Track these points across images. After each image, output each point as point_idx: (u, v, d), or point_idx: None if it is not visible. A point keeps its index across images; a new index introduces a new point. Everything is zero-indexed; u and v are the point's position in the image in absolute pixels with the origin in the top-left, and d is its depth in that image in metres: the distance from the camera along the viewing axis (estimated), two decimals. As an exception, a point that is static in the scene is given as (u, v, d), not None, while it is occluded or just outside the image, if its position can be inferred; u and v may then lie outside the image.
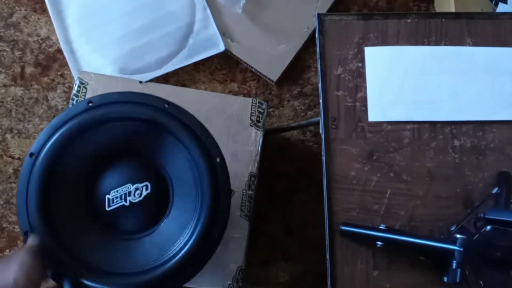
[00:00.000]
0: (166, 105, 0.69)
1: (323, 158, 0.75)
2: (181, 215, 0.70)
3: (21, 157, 1.32)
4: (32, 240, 0.63)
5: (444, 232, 0.72)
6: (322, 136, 0.76)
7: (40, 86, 1.35)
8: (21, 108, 1.34)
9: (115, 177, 0.70)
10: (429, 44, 0.80)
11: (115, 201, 0.69)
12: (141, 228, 0.70)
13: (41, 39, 1.37)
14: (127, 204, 0.69)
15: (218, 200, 0.68)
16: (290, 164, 1.34)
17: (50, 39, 1.37)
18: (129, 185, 0.69)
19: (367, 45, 0.79)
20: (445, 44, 0.80)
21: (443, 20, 0.80)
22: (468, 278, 0.64)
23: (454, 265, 0.63)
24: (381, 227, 0.71)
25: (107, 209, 0.69)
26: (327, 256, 0.71)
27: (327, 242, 0.72)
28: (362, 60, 0.79)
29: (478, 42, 0.80)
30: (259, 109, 0.92)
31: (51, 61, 1.36)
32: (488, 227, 0.65)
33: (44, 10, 1.37)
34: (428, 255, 0.71)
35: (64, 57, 1.31)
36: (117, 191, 0.69)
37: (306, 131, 1.36)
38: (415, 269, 0.72)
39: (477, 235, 0.65)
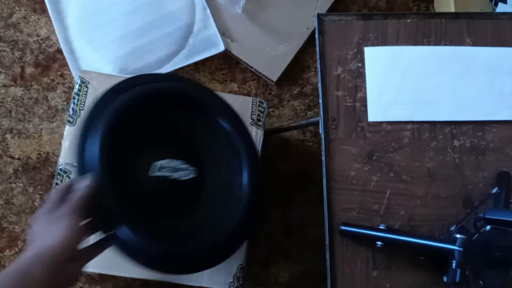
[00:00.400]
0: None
1: (323, 158, 0.75)
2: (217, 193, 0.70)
3: (21, 157, 1.32)
4: (89, 180, 0.59)
5: (444, 232, 0.72)
6: (322, 136, 0.76)
7: (40, 86, 1.35)
8: (21, 108, 1.34)
9: (167, 148, 0.69)
10: (428, 44, 0.80)
11: (161, 170, 0.68)
12: (171, 208, 0.69)
13: (41, 39, 1.37)
14: (171, 178, 0.67)
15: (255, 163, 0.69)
16: (290, 164, 1.34)
17: (50, 39, 1.37)
18: (180, 161, 0.69)
19: (366, 45, 0.79)
20: (444, 44, 0.80)
21: (443, 20, 0.80)
22: (467, 278, 0.64)
23: (453, 265, 0.63)
24: (381, 227, 0.71)
25: (150, 174, 0.67)
26: (327, 256, 0.71)
27: (327, 242, 0.72)
28: (362, 60, 0.79)
29: (478, 42, 0.80)
30: (260, 108, 0.92)
31: (51, 61, 1.36)
32: (488, 227, 0.65)
33: (44, 10, 1.37)
34: (428, 255, 0.71)
35: (64, 57, 1.32)
36: (167, 162, 0.68)
37: (306, 131, 1.36)
38: (415, 269, 0.72)
39: (477, 235, 0.65)
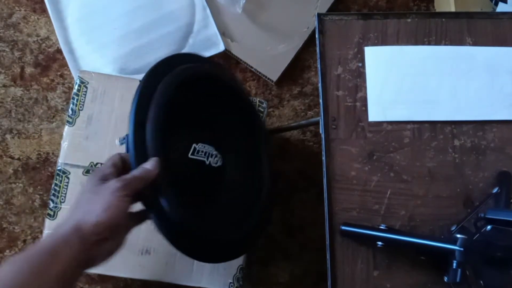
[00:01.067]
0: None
1: (323, 158, 0.75)
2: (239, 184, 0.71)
3: (21, 157, 1.32)
4: (151, 165, 0.57)
5: (445, 232, 0.72)
6: (322, 136, 0.76)
7: (40, 87, 1.35)
8: (21, 109, 1.34)
9: (204, 132, 0.69)
10: (429, 43, 0.80)
11: (199, 153, 0.68)
12: (202, 193, 0.69)
13: (41, 39, 1.37)
14: (207, 163, 0.68)
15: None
16: (290, 164, 1.34)
17: (50, 39, 1.37)
18: (212, 147, 0.69)
19: (367, 45, 0.79)
20: (445, 44, 0.80)
21: (443, 19, 0.80)
22: (468, 278, 0.64)
23: (454, 265, 0.63)
24: (381, 227, 0.71)
25: (189, 156, 0.67)
26: (328, 256, 0.71)
27: (327, 242, 0.72)
28: (362, 60, 0.79)
29: (478, 41, 0.80)
30: (259, 108, 0.92)
31: (51, 61, 1.36)
32: (489, 227, 0.65)
33: (43, 10, 1.37)
34: (428, 255, 0.71)
35: (63, 57, 1.31)
36: (203, 146, 0.68)
37: (306, 131, 1.36)
38: (415, 269, 0.72)
39: (478, 235, 0.65)
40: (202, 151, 0.68)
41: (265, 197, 0.69)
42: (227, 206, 0.70)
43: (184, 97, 0.66)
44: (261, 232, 0.71)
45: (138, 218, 0.62)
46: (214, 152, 0.69)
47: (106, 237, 0.54)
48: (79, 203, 0.56)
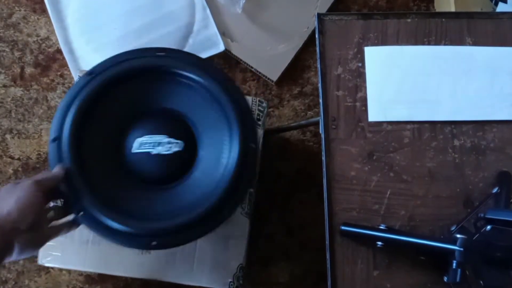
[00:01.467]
0: (161, 53, 0.72)
1: (323, 158, 0.75)
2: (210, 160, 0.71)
3: (21, 157, 1.32)
4: (57, 169, 0.64)
5: (444, 232, 0.72)
6: (322, 136, 0.76)
7: (40, 87, 1.35)
8: (21, 109, 1.34)
9: (152, 124, 0.71)
10: (429, 43, 0.80)
11: (143, 146, 0.70)
12: (160, 180, 0.71)
13: (41, 40, 1.37)
14: (154, 152, 0.70)
15: (245, 120, 0.70)
16: (290, 164, 1.34)
17: (50, 39, 1.37)
18: (164, 136, 0.70)
19: (367, 45, 0.79)
20: (445, 44, 0.80)
21: (443, 19, 0.80)
22: (468, 278, 0.64)
23: (454, 265, 0.63)
24: (381, 227, 0.71)
25: (133, 151, 0.70)
26: (327, 256, 0.71)
27: (327, 242, 0.72)
28: (362, 60, 0.79)
29: (478, 41, 0.80)
30: (259, 108, 0.92)
31: (51, 62, 1.36)
32: (488, 227, 0.65)
33: (43, 10, 1.37)
34: (428, 255, 0.71)
35: (63, 57, 1.32)
36: (150, 137, 0.70)
37: (306, 131, 1.36)
38: (415, 269, 0.72)
39: (477, 235, 0.65)
40: (147, 143, 0.70)
41: (231, 175, 0.67)
42: (190, 189, 0.71)
43: (121, 98, 0.70)
44: (225, 212, 0.69)
45: (68, 226, 0.67)
46: (165, 140, 0.70)
47: (20, 227, 0.58)
48: None
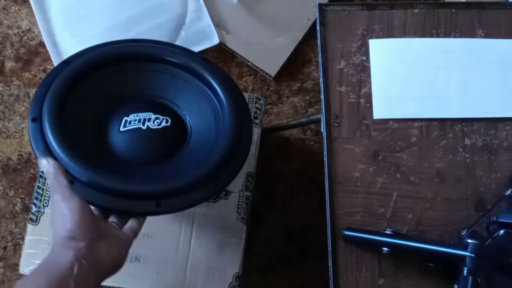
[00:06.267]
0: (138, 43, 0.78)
1: (325, 158, 0.75)
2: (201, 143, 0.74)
3: (1, 158, 1.31)
4: (50, 165, 0.62)
5: (455, 237, 0.72)
6: (324, 134, 0.76)
7: (21, 82, 1.35)
8: (1, 106, 1.34)
9: (136, 105, 0.74)
10: (437, 36, 0.80)
11: (132, 123, 0.72)
12: (153, 157, 0.72)
13: (22, 32, 1.37)
14: (144, 128, 0.72)
15: (231, 88, 0.75)
16: (290, 164, 1.34)
17: (32, 31, 1.37)
18: (150, 113, 0.73)
19: (371, 37, 0.79)
20: (454, 36, 0.80)
21: (453, 10, 0.81)
22: (480, 286, 0.64)
23: (465, 272, 0.63)
24: (387, 232, 0.71)
25: (121, 129, 0.72)
26: (330, 263, 0.72)
27: (329, 248, 0.72)
28: (367, 53, 0.79)
29: (490, 33, 0.80)
30: (257, 105, 0.92)
31: (33, 55, 1.36)
32: (501, 232, 0.65)
33: (25, 1, 1.37)
34: (437, 261, 0.71)
35: (46, 51, 1.31)
36: (137, 115, 0.72)
37: (307, 129, 1.36)
38: (423, 276, 0.72)
39: (490, 240, 0.65)
40: (135, 120, 0.73)
41: (226, 146, 0.70)
42: (188, 158, 0.74)
43: (100, 86, 0.73)
44: (225, 176, 0.72)
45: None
46: (153, 116, 0.73)
47: (92, 236, 0.56)
48: (52, 226, 0.59)
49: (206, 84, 0.74)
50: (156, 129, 0.73)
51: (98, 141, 0.71)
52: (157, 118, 0.73)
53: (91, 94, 0.72)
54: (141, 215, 0.67)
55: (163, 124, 0.73)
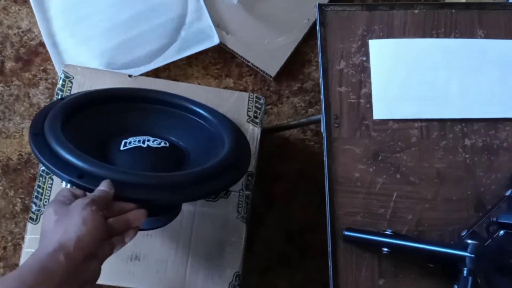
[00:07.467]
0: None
1: (325, 159, 0.75)
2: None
3: (0, 158, 1.31)
4: (105, 185, 0.61)
5: (455, 238, 0.72)
6: (324, 135, 0.76)
7: (21, 82, 1.35)
8: (1, 106, 1.34)
9: (134, 131, 0.78)
10: (437, 36, 0.80)
11: (132, 143, 0.75)
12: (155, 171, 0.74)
13: (22, 32, 1.37)
14: (144, 146, 0.75)
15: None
16: (290, 165, 1.34)
17: (32, 31, 1.37)
18: (148, 136, 0.77)
19: (371, 38, 0.79)
20: (455, 37, 0.80)
21: (453, 10, 0.81)
22: (480, 286, 0.64)
23: (465, 272, 0.63)
24: (387, 232, 0.71)
25: (122, 148, 0.74)
26: (330, 264, 0.72)
27: (329, 249, 0.72)
28: (367, 53, 0.79)
29: (490, 34, 0.80)
30: (257, 105, 0.92)
31: (33, 55, 1.36)
32: (501, 232, 0.65)
33: (25, 1, 1.37)
34: (437, 262, 0.71)
35: (46, 51, 1.31)
36: (136, 138, 0.76)
37: (307, 129, 1.36)
38: (423, 277, 0.72)
39: (490, 240, 0.65)
40: (135, 140, 0.76)
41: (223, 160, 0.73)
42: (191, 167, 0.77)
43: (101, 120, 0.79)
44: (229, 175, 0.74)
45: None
46: (151, 138, 0.77)
47: (91, 253, 0.55)
48: (49, 228, 0.57)
49: (195, 114, 0.82)
50: (156, 147, 0.75)
51: (99, 159, 0.71)
52: (155, 140, 0.76)
53: (90, 123, 0.76)
54: (158, 202, 0.67)
55: (162, 144, 0.76)
